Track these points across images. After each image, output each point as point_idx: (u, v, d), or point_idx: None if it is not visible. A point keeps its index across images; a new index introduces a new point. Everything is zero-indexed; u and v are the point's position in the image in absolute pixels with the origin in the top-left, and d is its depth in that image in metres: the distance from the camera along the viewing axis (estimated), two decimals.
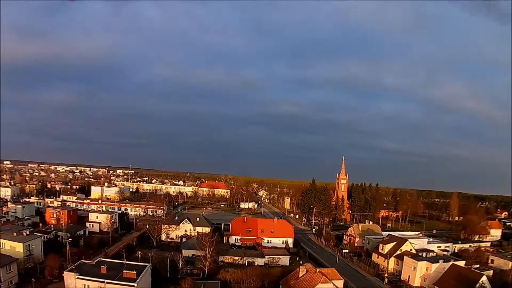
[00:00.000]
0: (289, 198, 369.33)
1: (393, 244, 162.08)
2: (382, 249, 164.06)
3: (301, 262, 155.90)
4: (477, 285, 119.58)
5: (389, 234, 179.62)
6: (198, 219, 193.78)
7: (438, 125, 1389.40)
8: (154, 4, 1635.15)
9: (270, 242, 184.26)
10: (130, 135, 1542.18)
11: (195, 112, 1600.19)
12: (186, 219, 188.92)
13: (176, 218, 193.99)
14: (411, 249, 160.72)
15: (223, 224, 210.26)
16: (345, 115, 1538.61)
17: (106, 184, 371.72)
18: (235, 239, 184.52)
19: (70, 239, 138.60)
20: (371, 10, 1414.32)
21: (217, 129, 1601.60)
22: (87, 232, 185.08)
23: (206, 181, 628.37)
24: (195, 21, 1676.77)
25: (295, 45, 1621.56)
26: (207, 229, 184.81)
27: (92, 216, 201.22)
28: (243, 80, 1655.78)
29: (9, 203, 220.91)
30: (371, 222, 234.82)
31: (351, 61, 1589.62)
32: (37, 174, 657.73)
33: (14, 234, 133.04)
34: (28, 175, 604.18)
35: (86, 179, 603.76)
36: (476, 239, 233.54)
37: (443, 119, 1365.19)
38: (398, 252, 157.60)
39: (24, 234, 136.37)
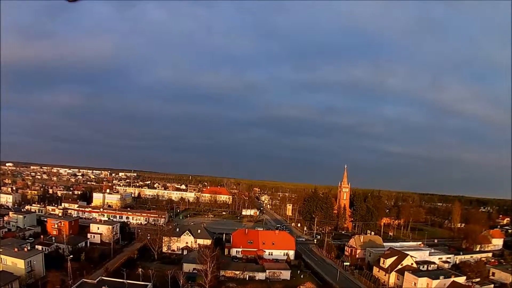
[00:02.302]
0: (291, 204, 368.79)
1: (394, 258, 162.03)
2: (383, 263, 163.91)
3: (301, 276, 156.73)
4: None
5: (390, 248, 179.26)
6: (199, 230, 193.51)
7: (441, 128, 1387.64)
8: (159, 6, 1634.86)
9: (272, 254, 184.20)
10: (133, 137, 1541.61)
11: (198, 114, 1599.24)
12: (187, 231, 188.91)
13: (177, 230, 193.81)
14: (412, 264, 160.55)
15: (224, 234, 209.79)
16: (349, 118, 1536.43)
17: (108, 190, 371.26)
18: (237, 251, 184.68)
19: (71, 255, 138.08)
20: (375, 13, 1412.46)
21: (220, 131, 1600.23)
22: (88, 244, 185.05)
23: (208, 185, 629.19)
24: (200, 23, 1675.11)
25: (300, 48, 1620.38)
26: (208, 241, 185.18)
27: (93, 227, 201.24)
28: (247, 82, 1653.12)
29: (10, 213, 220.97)
30: (372, 233, 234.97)
31: (355, 64, 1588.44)
32: (39, 177, 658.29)
33: (15, 250, 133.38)
34: (30, 178, 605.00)
35: (88, 182, 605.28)
36: (477, 249, 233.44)
37: (446, 122, 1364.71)
38: (399, 266, 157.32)
39: (26, 249, 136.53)
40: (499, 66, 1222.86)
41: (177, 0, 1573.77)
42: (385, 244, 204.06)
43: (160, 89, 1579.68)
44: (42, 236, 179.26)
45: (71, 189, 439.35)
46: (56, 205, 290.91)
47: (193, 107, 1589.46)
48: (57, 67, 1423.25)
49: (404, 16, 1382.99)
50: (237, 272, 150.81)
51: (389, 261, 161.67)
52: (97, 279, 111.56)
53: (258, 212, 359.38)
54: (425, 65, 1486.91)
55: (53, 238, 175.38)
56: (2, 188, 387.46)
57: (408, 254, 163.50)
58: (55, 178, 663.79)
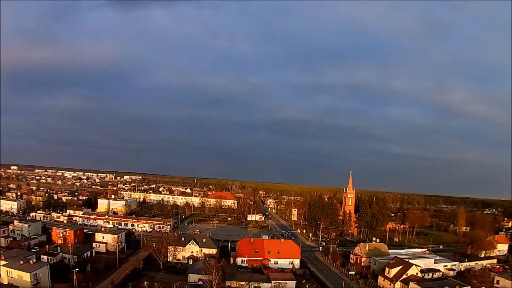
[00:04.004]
0: (296, 209, 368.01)
1: (399, 268, 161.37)
2: (388, 273, 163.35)
3: (307, 286, 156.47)
4: None
5: (395, 257, 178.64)
6: (204, 240, 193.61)
7: (446, 130, 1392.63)
8: (163, 10, 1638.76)
9: (277, 263, 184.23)
10: (138, 140, 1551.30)
11: (203, 117, 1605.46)
12: (192, 241, 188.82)
13: (183, 239, 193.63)
14: (417, 273, 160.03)
15: (229, 243, 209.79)
16: (353, 120, 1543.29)
17: (113, 196, 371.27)
18: (242, 260, 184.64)
19: (77, 269, 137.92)
20: (380, 15, 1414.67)
21: (224, 134, 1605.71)
22: (93, 253, 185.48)
23: (214, 188, 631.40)
24: (204, 26, 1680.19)
25: (304, 51, 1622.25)
26: (213, 251, 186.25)
27: (98, 237, 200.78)
28: (251, 85, 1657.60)
29: (15, 221, 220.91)
30: (378, 240, 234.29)
31: (359, 66, 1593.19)
32: (44, 181, 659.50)
33: (21, 262, 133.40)
34: (35, 182, 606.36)
35: (93, 186, 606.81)
36: (483, 255, 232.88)
37: (450, 124, 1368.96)
38: (404, 276, 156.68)
39: (31, 262, 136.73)
40: (503, 68, 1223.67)
41: (181, 3, 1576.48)
42: (390, 251, 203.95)
43: (164, 92, 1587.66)
44: (47, 246, 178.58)
45: (76, 194, 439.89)
46: (61, 212, 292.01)
47: (197, 109, 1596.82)
48: (61, 70, 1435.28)
49: (408, 18, 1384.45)
50: (243, 283, 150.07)
51: (394, 270, 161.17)
52: None
53: (263, 218, 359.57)
54: (429, 67, 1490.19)
55: (58, 248, 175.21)
56: (6, 194, 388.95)
57: (413, 264, 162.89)
58: (60, 182, 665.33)
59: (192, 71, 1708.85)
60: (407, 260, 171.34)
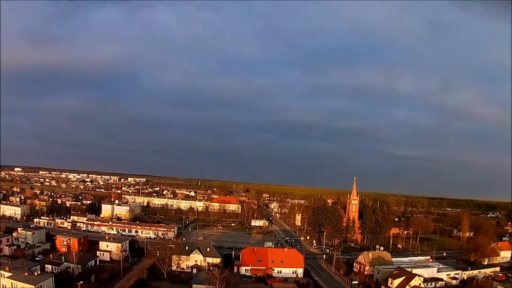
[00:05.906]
0: (300, 214, 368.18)
1: (402, 278, 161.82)
2: (391, 284, 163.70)
3: None
4: None
5: (398, 267, 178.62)
6: (208, 249, 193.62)
7: (450, 132, 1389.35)
8: (167, 11, 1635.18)
9: (280, 272, 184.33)
10: (142, 142, 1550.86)
11: (207, 119, 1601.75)
12: (196, 250, 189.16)
13: (187, 248, 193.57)
14: (419, 284, 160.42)
15: (233, 250, 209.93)
16: (358, 122, 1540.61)
17: (116, 201, 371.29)
18: (246, 269, 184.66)
19: (82, 282, 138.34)
20: (385, 17, 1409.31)
21: (229, 136, 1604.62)
22: (97, 262, 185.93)
23: (217, 191, 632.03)
24: (210, 28, 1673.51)
25: (310, 53, 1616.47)
26: (217, 260, 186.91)
27: (102, 245, 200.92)
28: (256, 87, 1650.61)
29: (19, 229, 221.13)
30: (381, 248, 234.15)
31: (364, 68, 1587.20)
32: (47, 184, 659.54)
33: (26, 274, 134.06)
34: (39, 185, 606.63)
35: (97, 189, 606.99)
36: (486, 263, 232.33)
37: (455, 126, 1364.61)
38: (407, 287, 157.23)
39: (36, 273, 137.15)
40: (508, 69, 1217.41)
41: (184, 4, 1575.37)
42: (393, 259, 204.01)
43: (169, 94, 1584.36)
44: (51, 255, 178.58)
45: (80, 198, 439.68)
46: (65, 218, 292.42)
47: (202, 111, 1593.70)
48: (64, 71, 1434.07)
49: (413, 20, 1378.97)
50: None
51: (397, 281, 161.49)
52: None
53: (267, 223, 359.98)
54: (434, 69, 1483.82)
55: (63, 256, 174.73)
56: (10, 198, 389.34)
57: (416, 274, 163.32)
58: (63, 185, 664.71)
59: (197, 73, 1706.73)
60: (410, 269, 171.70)
